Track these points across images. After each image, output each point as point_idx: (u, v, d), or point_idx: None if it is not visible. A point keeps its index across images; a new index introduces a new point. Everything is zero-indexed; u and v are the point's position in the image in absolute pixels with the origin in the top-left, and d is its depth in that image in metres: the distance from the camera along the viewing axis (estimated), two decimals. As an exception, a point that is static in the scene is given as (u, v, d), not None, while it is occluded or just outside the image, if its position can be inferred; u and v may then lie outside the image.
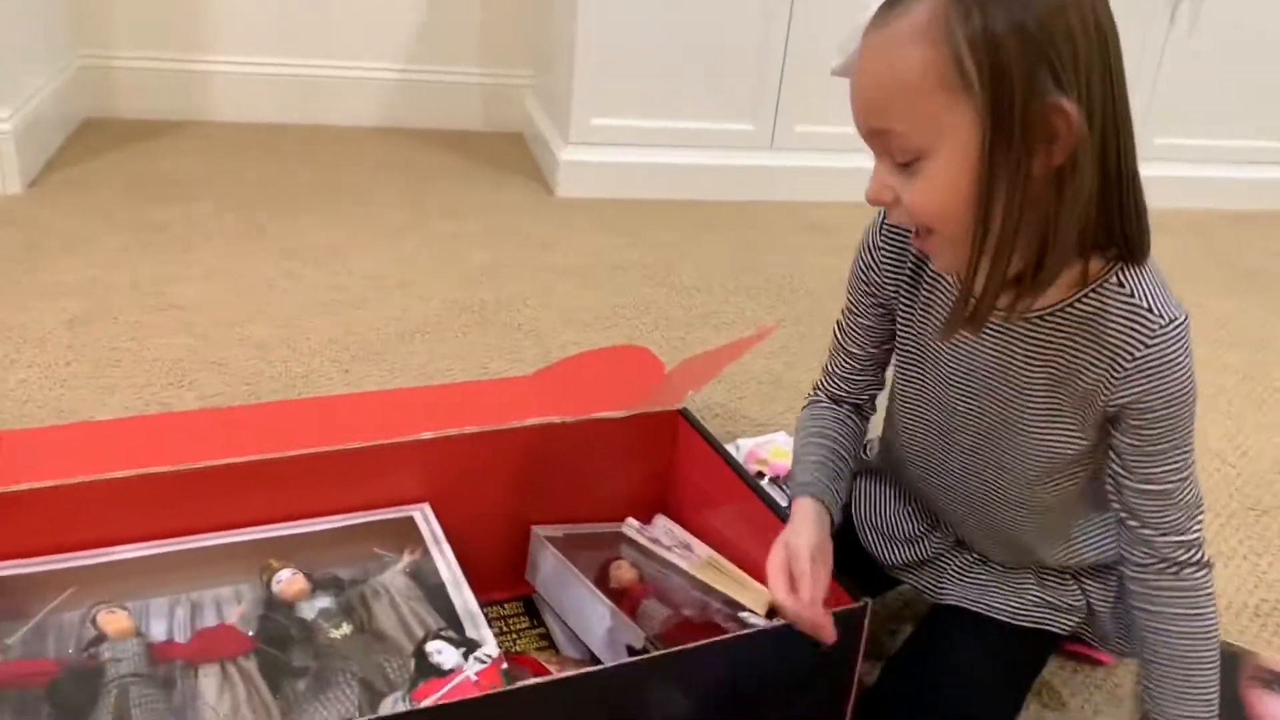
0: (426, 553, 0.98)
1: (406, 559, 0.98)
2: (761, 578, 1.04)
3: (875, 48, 0.72)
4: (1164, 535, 0.84)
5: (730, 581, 1.06)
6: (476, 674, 0.84)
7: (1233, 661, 1.08)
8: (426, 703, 0.81)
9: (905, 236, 0.89)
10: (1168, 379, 0.79)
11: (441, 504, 1.04)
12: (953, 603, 1.01)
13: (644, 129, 2.37)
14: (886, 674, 0.99)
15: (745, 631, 0.92)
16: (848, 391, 1.01)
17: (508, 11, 2.70)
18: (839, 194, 2.39)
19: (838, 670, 0.91)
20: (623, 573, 1.08)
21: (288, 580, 0.94)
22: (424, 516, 1.03)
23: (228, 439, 1.15)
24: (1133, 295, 0.78)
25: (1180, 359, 0.78)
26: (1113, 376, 0.80)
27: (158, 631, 0.87)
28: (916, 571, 1.05)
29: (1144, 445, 0.82)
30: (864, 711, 0.94)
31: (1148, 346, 0.78)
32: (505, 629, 1.07)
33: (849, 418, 1.01)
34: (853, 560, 0.98)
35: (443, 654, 0.86)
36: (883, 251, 0.91)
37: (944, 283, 0.87)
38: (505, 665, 0.85)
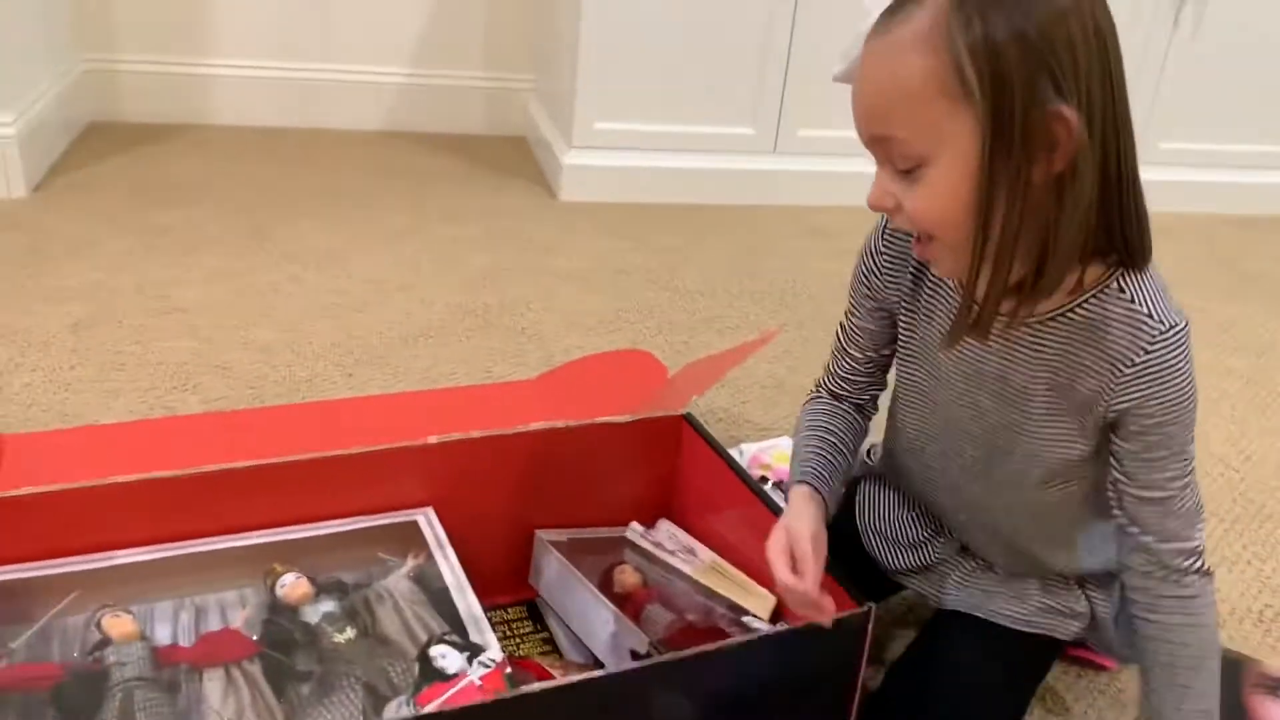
0: (430, 557, 0.99)
1: (410, 563, 0.98)
2: (765, 582, 1.04)
3: (877, 55, 0.72)
4: (1164, 542, 0.84)
5: (734, 586, 1.06)
6: (480, 678, 0.84)
7: (1236, 668, 1.08)
8: (430, 707, 0.81)
9: (907, 242, 0.89)
10: (1168, 385, 0.79)
11: (445, 508, 1.04)
12: (956, 608, 1.01)
13: (647, 133, 2.37)
14: (890, 679, 0.99)
15: (749, 636, 0.92)
16: (849, 391, 1.02)
17: (510, 15, 2.70)
18: (841, 198, 2.39)
19: (841, 675, 0.91)
20: (626, 577, 1.08)
21: (292, 584, 0.94)
22: (428, 521, 1.03)
23: (232, 443, 1.15)
24: (1133, 301, 0.78)
25: (1180, 365, 0.78)
26: (1113, 382, 0.80)
27: (162, 635, 0.88)
28: (920, 576, 1.05)
29: (1144, 451, 0.82)
30: (867, 716, 0.94)
31: (1148, 352, 0.78)
32: (509, 633, 1.07)
33: (849, 414, 1.02)
34: (856, 565, 0.98)
35: (447, 658, 0.86)
36: (884, 256, 0.92)
37: (945, 288, 0.88)
38: (509, 670, 0.85)
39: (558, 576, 1.07)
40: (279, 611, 0.91)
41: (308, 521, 1.01)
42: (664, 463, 1.17)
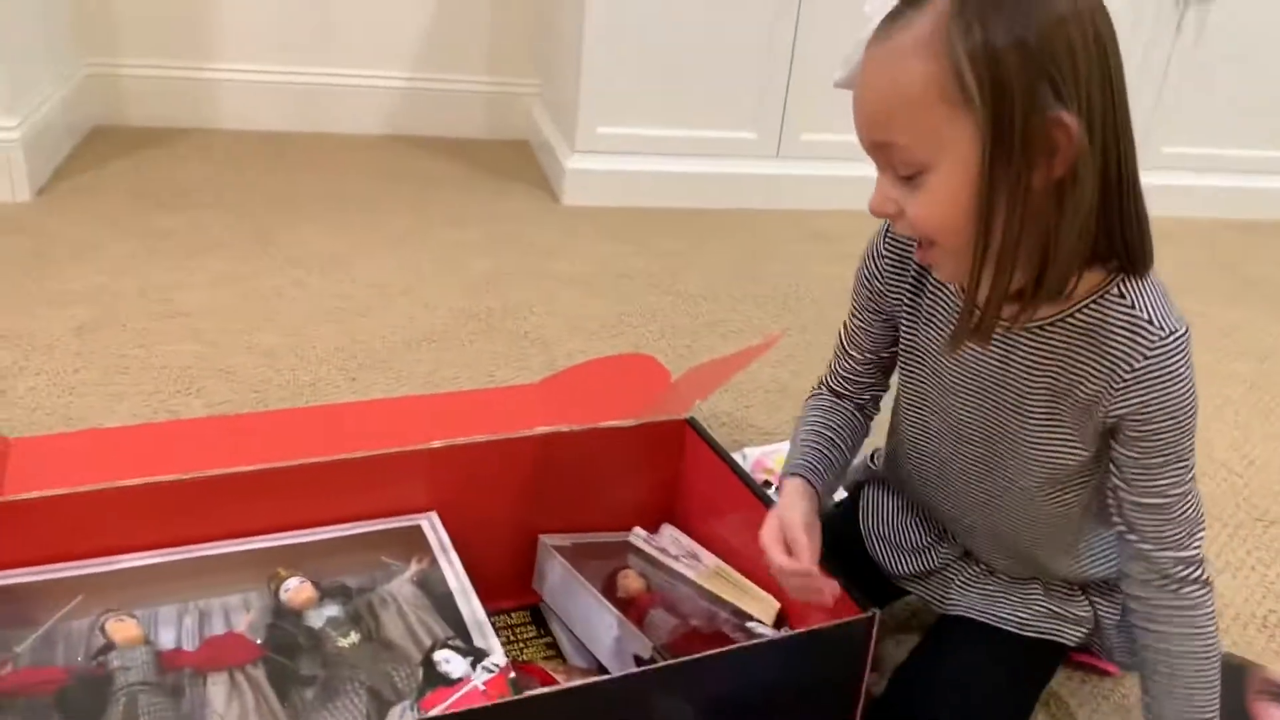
0: (434, 561, 0.99)
1: (414, 568, 0.98)
2: (769, 587, 1.05)
3: (877, 61, 0.72)
4: (1163, 550, 0.84)
5: (738, 591, 1.06)
6: (484, 683, 0.84)
7: (1240, 674, 1.08)
8: (434, 712, 0.81)
9: (908, 247, 0.89)
10: (1167, 391, 0.78)
11: (449, 512, 1.04)
12: (960, 613, 1.01)
13: (650, 137, 2.38)
14: (894, 684, 0.99)
15: (753, 642, 0.92)
16: (850, 391, 1.02)
17: (513, 20, 2.70)
18: (844, 202, 2.39)
19: (845, 681, 0.90)
20: (630, 582, 1.08)
21: (296, 589, 0.94)
22: (431, 525, 1.03)
23: (236, 447, 1.15)
24: (1133, 307, 0.78)
25: (1180, 371, 0.78)
26: (1112, 387, 0.80)
27: (166, 639, 0.88)
28: (924, 581, 1.05)
29: (1142, 458, 0.82)
30: (871, 722, 0.94)
31: (1147, 358, 0.78)
32: (512, 638, 1.07)
33: (848, 412, 1.02)
34: (860, 570, 0.99)
35: (451, 663, 0.86)
36: (885, 259, 0.92)
37: (946, 293, 0.88)
38: (513, 674, 0.85)
39: (561, 581, 1.07)
40: (283, 616, 0.91)
41: (311, 526, 1.01)
42: (667, 467, 1.17)
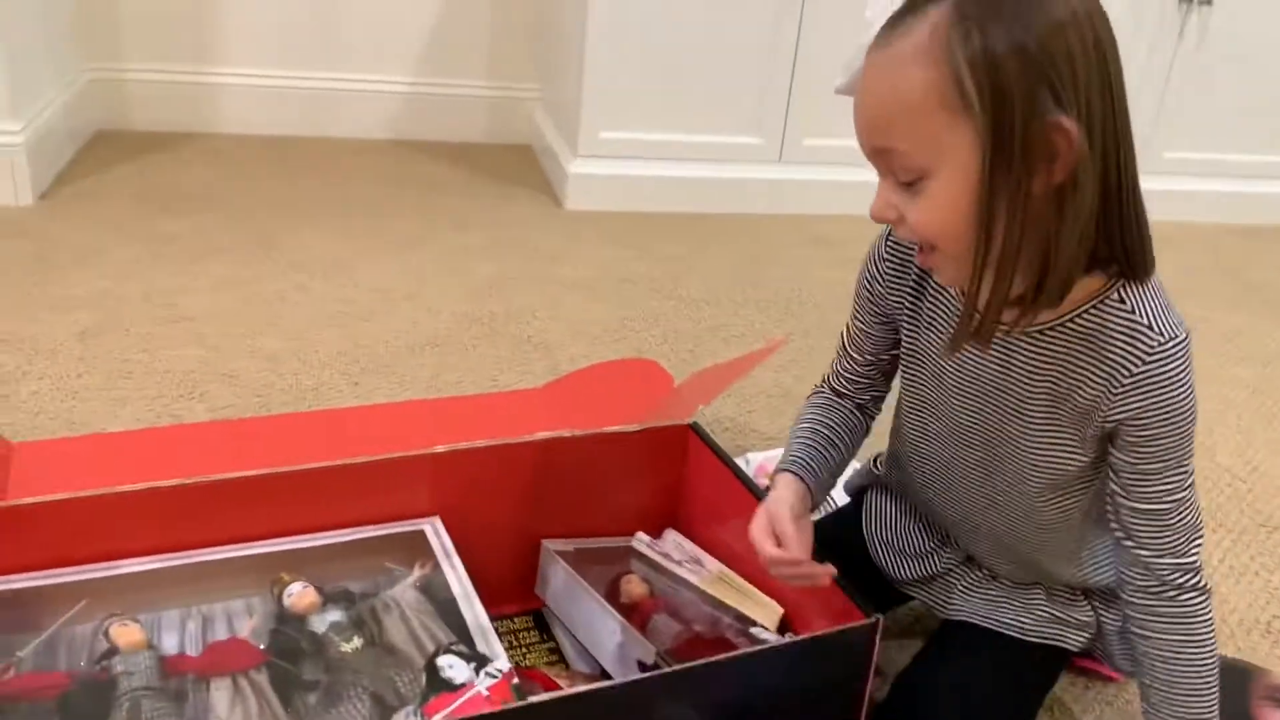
0: (437, 566, 0.99)
1: (417, 573, 0.98)
2: (773, 592, 1.04)
3: (878, 67, 0.73)
4: (1160, 557, 0.84)
5: (741, 596, 1.06)
6: (488, 689, 0.84)
7: (1244, 679, 1.08)
8: (438, 718, 0.81)
9: (910, 251, 0.89)
10: (1166, 396, 0.78)
11: (451, 517, 1.04)
12: (963, 618, 1.01)
13: (653, 142, 2.38)
14: (896, 689, 0.98)
15: (757, 648, 0.92)
16: (850, 390, 1.03)
17: (515, 24, 2.71)
18: (846, 207, 2.39)
19: (849, 686, 0.90)
20: (633, 587, 1.08)
21: (299, 593, 0.94)
22: (434, 530, 1.03)
23: (239, 451, 1.15)
24: (1133, 312, 0.78)
25: (1179, 376, 0.78)
26: (1111, 392, 0.80)
27: (169, 644, 0.88)
28: (926, 587, 1.05)
29: (1141, 463, 0.82)
30: (875, 727, 0.94)
31: (1146, 363, 0.78)
32: (515, 643, 1.07)
33: (848, 411, 1.03)
34: (863, 576, 0.99)
35: (454, 668, 0.86)
36: (887, 263, 0.92)
37: (946, 296, 0.88)
38: (516, 680, 0.85)
39: (564, 586, 1.06)
40: (286, 621, 0.91)
41: (314, 531, 1.01)
42: (670, 472, 1.17)
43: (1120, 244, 0.76)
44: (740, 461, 1.31)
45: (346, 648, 0.89)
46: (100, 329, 1.63)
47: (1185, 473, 0.82)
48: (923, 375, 0.94)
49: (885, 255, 0.92)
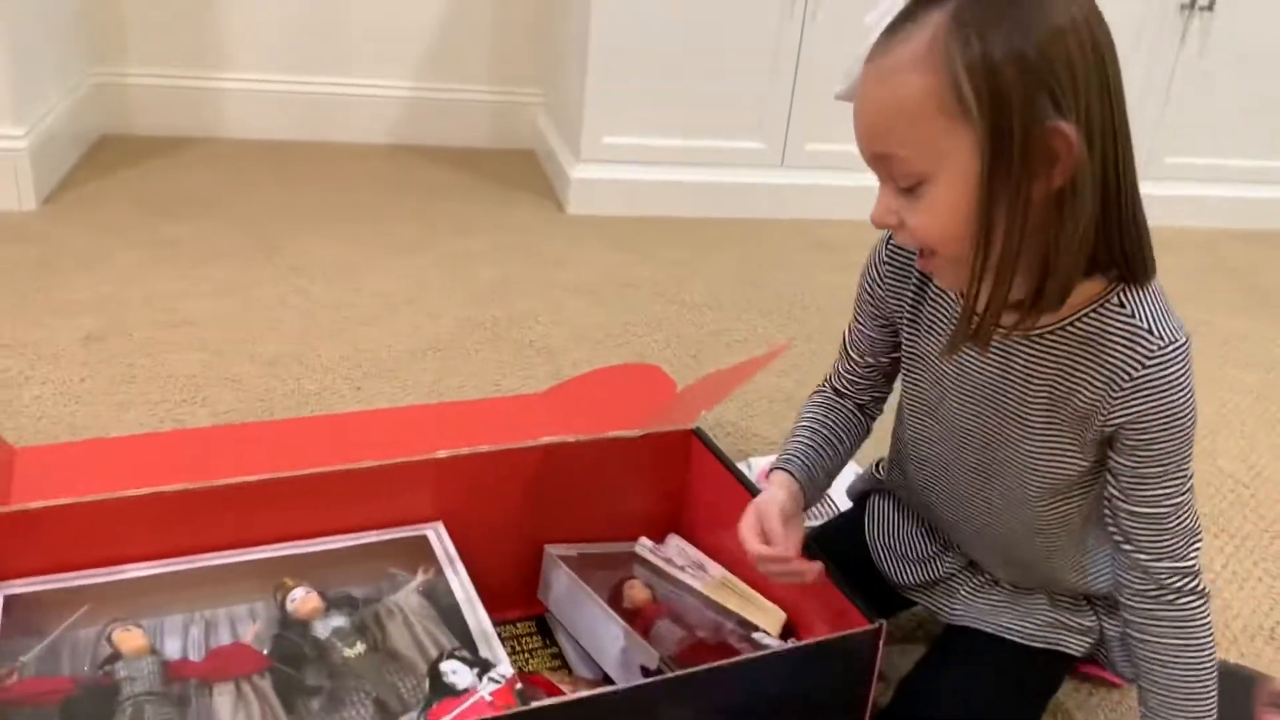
0: (440, 572, 0.99)
1: (420, 578, 0.98)
2: (775, 598, 1.04)
3: (877, 74, 0.73)
4: (1158, 561, 0.84)
5: (744, 602, 1.06)
6: (491, 694, 0.84)
7: (1248, 685, 1.08)
8: (441, 723, 0.81)
9: (910, 255, 0.89)
10: (1165, 400, 0.78)
11: (454, 522, 1.04)
12: (965, 623, 1.01)
13: (655, 147, 2.38)
14: (900, 695, 0.98)
15: (760, 653, 0.92)
16: (851, 391, 1.03)
17: (517, 29, 2.71)
18: (848, 212, 2.40)
19: (851, 692, 0.90)
20: (636, 593, 1.08)
21: (302, 599, 0.94)
22: (437, 535, 1.03)
23: (242, 456, 1.15)
24: (1133, 316, 0.78)
25: (1178, 380, 0.78)
26: (1110, 396, 0.80)
27: (172, 649, 0.88)
28: (929, 592, 1.05)
29: (1139, 467, 0.82)
30: (878, 733, 0.94)
31: (1145, 367, 0.78)
32: (518, 648, 1.07)
33: (847, 410, 1.03)
34: (866, 581, 0.99)
35: (457, 674, 0.86)
36: (887, 267, 0.92)
37: (946, 300, 0.88)
38: (519, 685, 0.85)
39: (567, 592, 1.06)
40: (289, 626, 0.91)
41: (317, 536, 1.01)
42: (673, 477, 1.17)
43: (1120, 248, 0.76)
44: (743, 466, 1.31)
45: (349, 653, 0.89)
46: (103, 334, 1.63)
47: (1184, 477, 0.82)
48: (923, 378, 0.94)
49: (886, 259, 0.92)
